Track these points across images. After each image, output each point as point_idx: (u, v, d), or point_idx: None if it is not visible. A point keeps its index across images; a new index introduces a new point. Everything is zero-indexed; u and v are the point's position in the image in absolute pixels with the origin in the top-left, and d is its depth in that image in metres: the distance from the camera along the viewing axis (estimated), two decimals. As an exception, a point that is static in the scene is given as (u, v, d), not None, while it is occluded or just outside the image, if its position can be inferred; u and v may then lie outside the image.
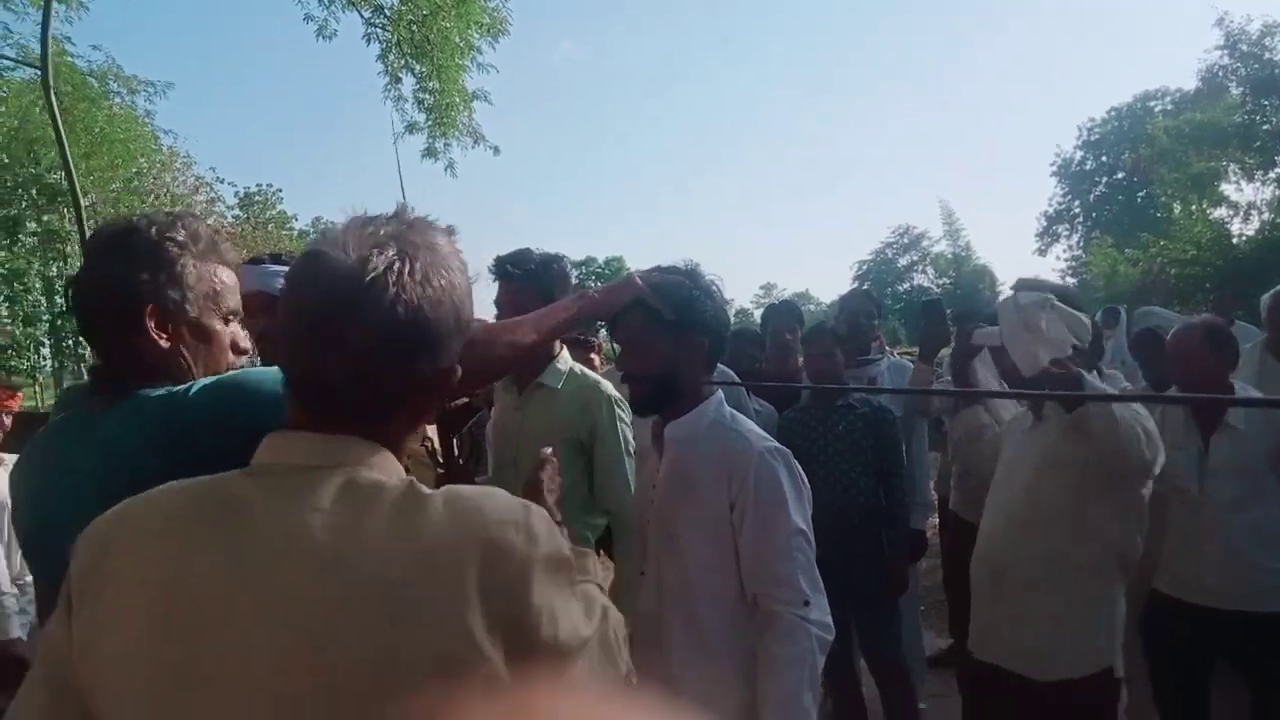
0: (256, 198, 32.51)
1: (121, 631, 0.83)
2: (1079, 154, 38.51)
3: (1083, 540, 2.22)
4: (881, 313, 4.15)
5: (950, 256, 43.54)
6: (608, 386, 2.66)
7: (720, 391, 1.92)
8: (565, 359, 2.72)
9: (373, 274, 0.86)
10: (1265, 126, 23.03)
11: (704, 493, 1.78)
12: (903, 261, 46.50)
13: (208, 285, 1.31)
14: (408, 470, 0.95)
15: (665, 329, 1.79)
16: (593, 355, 4.91)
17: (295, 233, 31.65)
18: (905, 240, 46.55)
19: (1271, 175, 24.41)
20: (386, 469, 0.90)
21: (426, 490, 0.88)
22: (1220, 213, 26.68)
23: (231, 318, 1.36)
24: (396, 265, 0.87)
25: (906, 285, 45.09)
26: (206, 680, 0.80)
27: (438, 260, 0.91)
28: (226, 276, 1.35)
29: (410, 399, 0.93)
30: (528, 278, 2.56)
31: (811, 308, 41.77)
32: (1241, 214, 26.63)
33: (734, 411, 1.91)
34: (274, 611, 0.81)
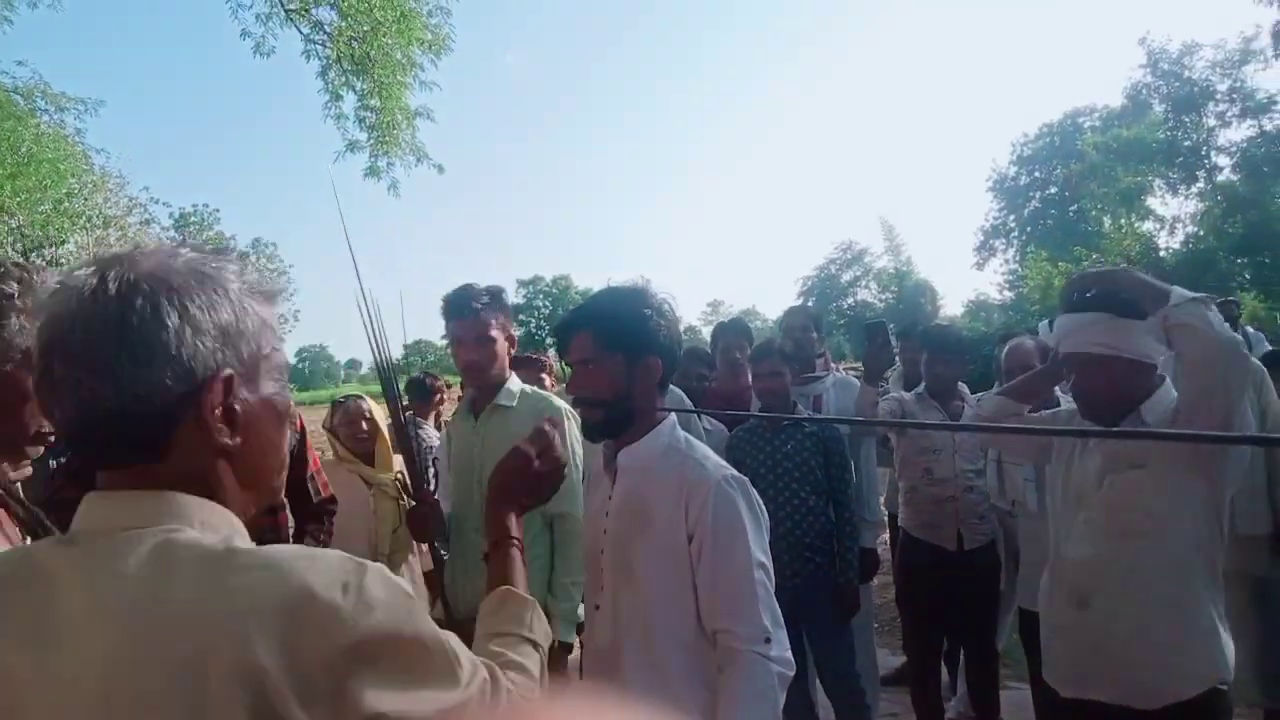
0: (193, 219, 31.80)
1: None
2: (1013, 169, 39.57)
3: (1165, 542, 2.00)
4: (820, 328, 4.17)
5: (892, 272, 44.34)
6: (560, 401, 2.81)
7: (674, 415, 1.85)
8: (516, 381, 2.87)
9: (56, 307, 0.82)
10: (1186, 142, 24.03)
11: (660, 522, 1.72)
12: (846, 277, 47.22)
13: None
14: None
15: (616, 352, 1.74)
16: (543, 375, 4.86)
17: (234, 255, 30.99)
18: (848, 256, 47.30)
19: (1194, 190, 25.40)
20: (198, 519, 0.83)
21: (236, 548, 0.81)
22: (1148, 226, 27.65)
23: None
24: (80, 282, 0.82)
25: (850, 300, 45.77)
26: None
27: (143, 273, 0.83)
28: None
29: (163, 426, 0.83)
30: (483, 311, 2.71)
31: (758, 324, 42.17)
32: (1167, 227, 27.65)
33: (689, 437, 1.85)
34: (63, 697, 0.75)
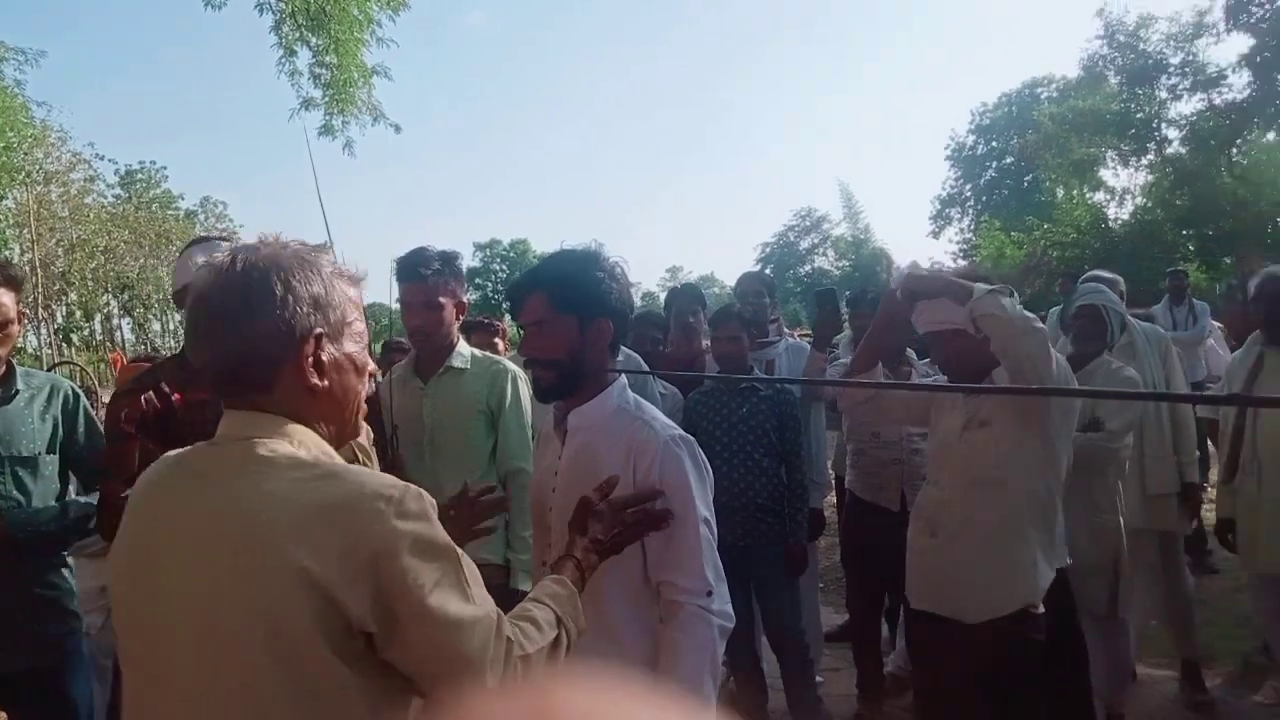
0: (139, 176, 30.86)
1: (113, 563, 1.17)
2: (971, 139, 39.88)
3: (1003, 489, 2.40)
4: (774, 294, 4.24)
5: (850, 239, 44.61)
6: (512, 365, 2.87)
7: (624, 377, 1.90)
8: (465, 345, 2.90)
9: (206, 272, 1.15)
10: (1139, 115, 24.38)
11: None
12: (804, 244, 47.43)
13: None
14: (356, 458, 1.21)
15: (569, 313, 1.77)
16: (497, 340, 4.87)
17: (181, 213, 30.19)
18: (807, 223, 47.48)
19: (1144, 162, 25.85)
20: (296, 439, 1.13)
21: (318, 461, 1.11)
22: (1099, 197, 28.17)
23: None
24: (219, 263, 1.13)
25: (808, 268, 46.04)
26: (144, 622, 1.10)
27: (261, 257, 1.13)
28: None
29: (271, 367, 1.12)
30: (432, 277, 2.70)
31: (716, 290, 42.19)
32: (1117, 199, 28.18)
33: (638, 398, 1.89)
34: (190, 562, 1.06)
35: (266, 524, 1.03)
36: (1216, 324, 7.66)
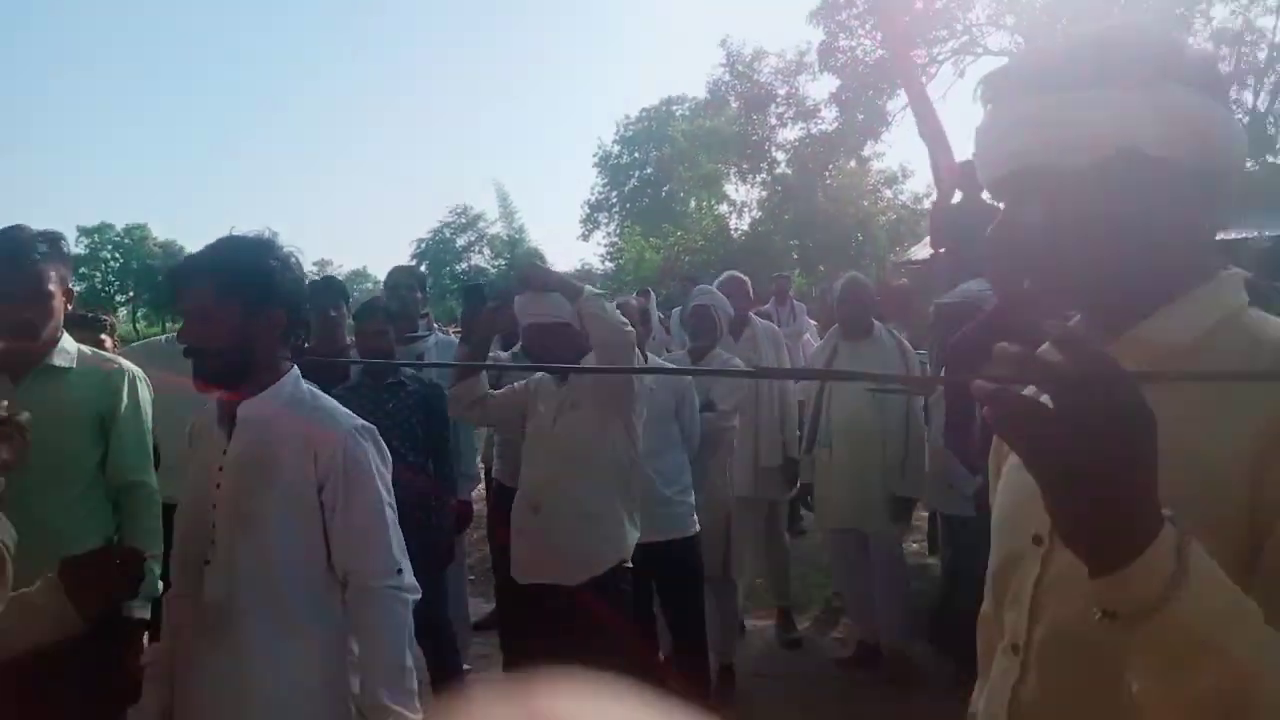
0: None
1: None
2: (617, 148, 42.37)
3: (590, 465, 2.72)
4: (425, 288, 4.25)
5: (505, 238, 45.28)
6: (131, 365, 2.55)
7: (297, 368, 1.87)
8: (70, 340, 2.48)
9: None
10: (754, 137, 27.63)
11: (287, 473, 1.76)
12: (461, 241, 47.24)
13: None
14: None
15: (238, 301, 1.72)
16: (103, 336, 4.32)
17: None
18: (463, 220, 47.26)
19: (759, 179, 29.38)
20: None
21: None
22: (723, 209, 31.51)
23: None
24: None
25: (465, 265, 45.97)
26: None
27: None
28: None
29: None
30: (41, 262, 2.28)
31: (370, 285, 40.66)
32: (738, 211, 31.72)
33: (313, 389, 1.87)
34: None
35: None
36: (813, 321, 8.95)
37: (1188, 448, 0.64)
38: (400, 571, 1.79)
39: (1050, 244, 0.87)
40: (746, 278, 4.96)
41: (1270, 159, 15.93)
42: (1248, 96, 15.11)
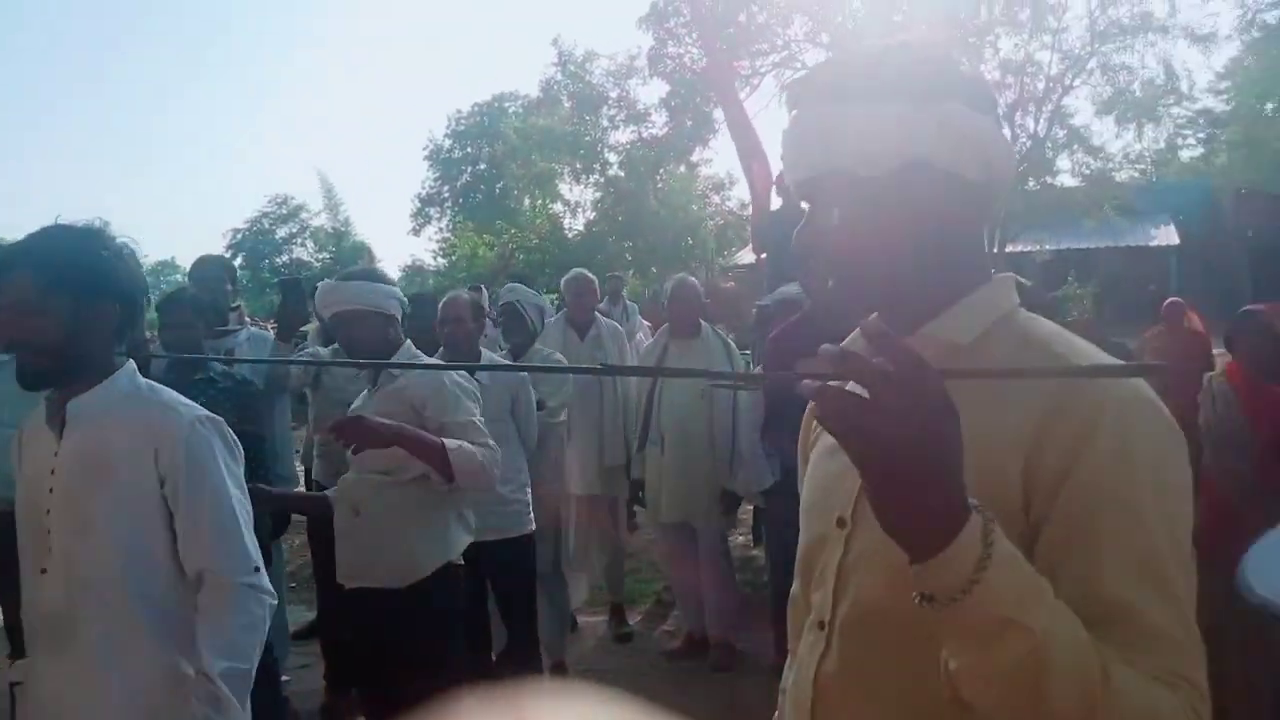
0: None
1: None
2: (448, 142, 41.47)
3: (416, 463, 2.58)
4: (235, 280, 4.01)
5: (330, 230, 43.33)
6: None
7: (132, 362, 1.78)
8: None
9: None
10: (587, 138, 27.80)
11: (125, 472, 1.68)
12: (281, 233, 44.81)
13: None
14: None
15: (65, 294, 1.62)
16: None
17: None
18: (284, 211, 44.82)
19: (592, 180, 29.59)
20: None
21: None
22: (558, 208, 31.50)
23: None
24: None
25: (286, 258, 43.64)
26: None
27: None
28: None
29: None
30: None
31: (178, 278, 37.67)
32: (572, 210, 31.80)
33: (151, 383, 1.78)
34: None
35: None
36: (645, 321, 9.12)
37: (972, 437, 0.69)
38: (258, 570, 1.72)
39: (848, 247, 0.93)
40: (595, 277, 5.03)
41: (1049, 180, 17.62)
42: (1030, 122, 16.56)
